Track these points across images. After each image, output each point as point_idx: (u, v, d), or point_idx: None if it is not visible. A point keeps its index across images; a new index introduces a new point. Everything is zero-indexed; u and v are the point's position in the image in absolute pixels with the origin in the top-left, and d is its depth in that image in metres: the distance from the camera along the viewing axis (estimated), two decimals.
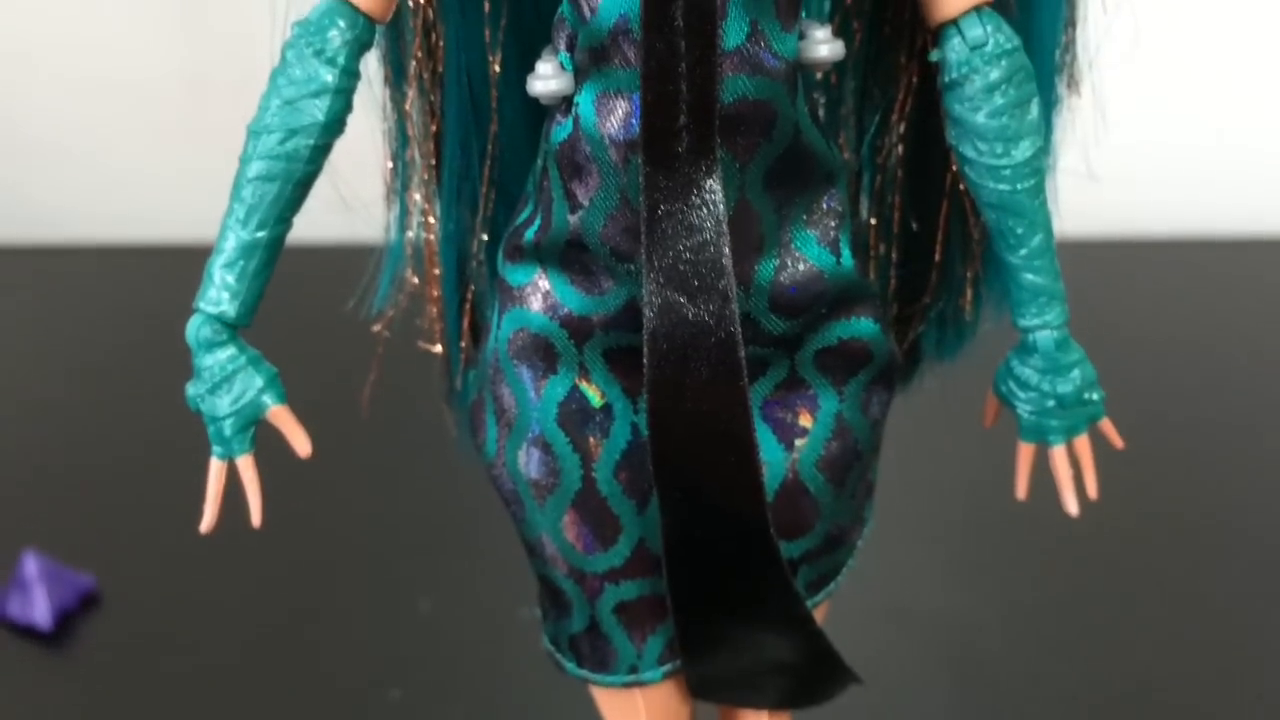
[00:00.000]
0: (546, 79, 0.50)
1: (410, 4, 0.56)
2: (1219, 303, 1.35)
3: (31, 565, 0.97)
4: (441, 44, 0.57)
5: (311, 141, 0.51)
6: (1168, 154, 1.42)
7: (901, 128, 0.57)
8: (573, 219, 0.51)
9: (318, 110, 0.51)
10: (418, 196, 0.60)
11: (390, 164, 0.60)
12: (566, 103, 0.51)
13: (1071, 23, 0.54)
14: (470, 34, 0.56)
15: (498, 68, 0.57)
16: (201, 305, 0.51)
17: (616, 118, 0.48)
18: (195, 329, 0.52)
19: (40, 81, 1.51)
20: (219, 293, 0.51)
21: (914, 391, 0.64)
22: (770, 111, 0.49)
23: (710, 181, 0.49)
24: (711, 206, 0.49)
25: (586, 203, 0.51)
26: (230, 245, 0.51)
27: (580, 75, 0.50)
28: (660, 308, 0.49)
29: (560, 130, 0.51)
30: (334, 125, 0.51)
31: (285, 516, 0.60)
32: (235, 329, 0.52)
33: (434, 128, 0.58)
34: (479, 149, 0.59)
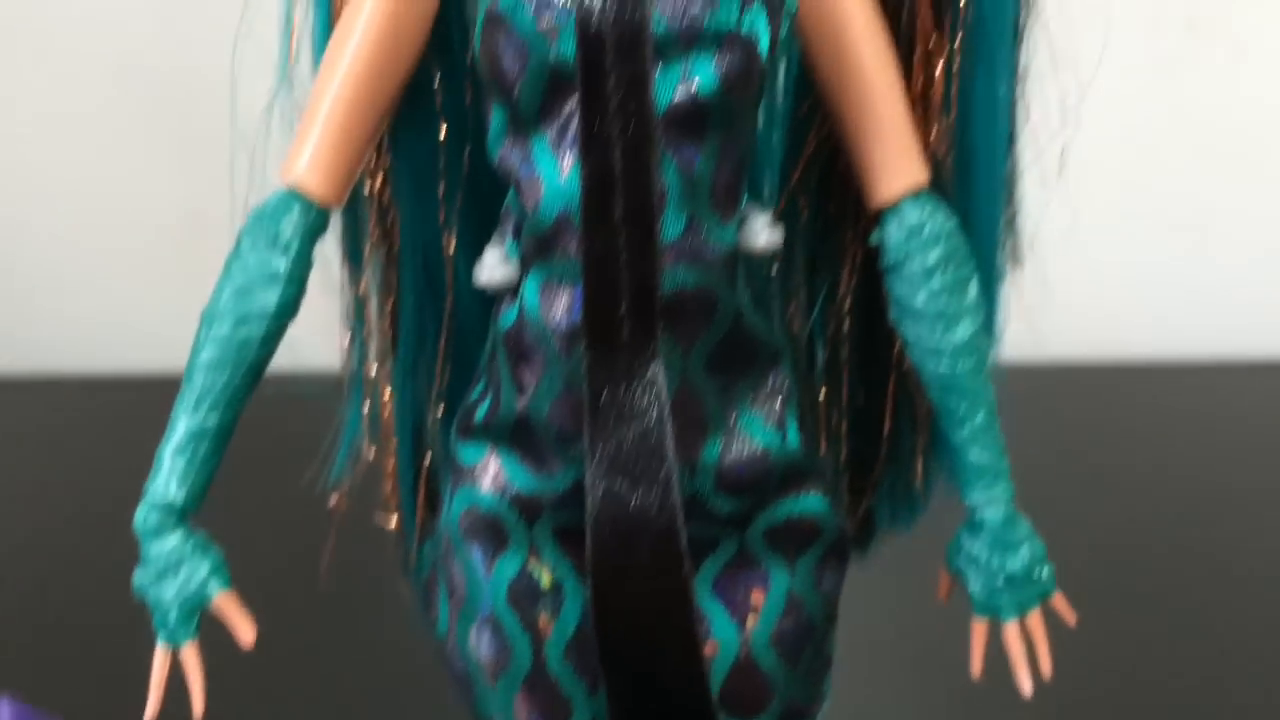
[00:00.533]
0: (491, 269, 0.51)
1: (366, 186, 0.57)
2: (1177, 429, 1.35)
3: (5, 713, 0.95)
4: (397, 224, 0.58)
5: (263, 329, 0.51)
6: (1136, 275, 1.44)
7: (848, 303, 0.58)
8: (520, 402, 0.52)
9: (270, 298, 0.52)
10: (374, 370, 0.61)
11: (347, 337, 0.61)
12: (514, 288, 0.52)
13: (1010, 197, 0.56)
14: (425, 214, 0.58)
15: (453, 246, 0.58)
16: (150, 493, 0.51)
17: (560, 307, 0.49)
18: (143, 516, 0.52)
19: (37, 215, 1.54)
20: (167, 480, 0.51)
21: (870, 562, 0.64)
22: (711, 299, 0.50)
23: (652, 368, 0.49)
24: (654, 394, 0.49)
25: (533, 387, 0.51)
26: (180, 431, 0.52)
27: (525, 263, 0.51)
28: (603, 494, 0.49)
29: (507, 315, 0.52)
30: (286, 312, 0.52)
31: (243, 686, 0.59)
32: (184, 514, 0.52)
33: (390, 303, 0.60)
34: (434, 325, 0.60)
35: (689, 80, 0.46)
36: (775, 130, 0.58)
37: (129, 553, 0.54)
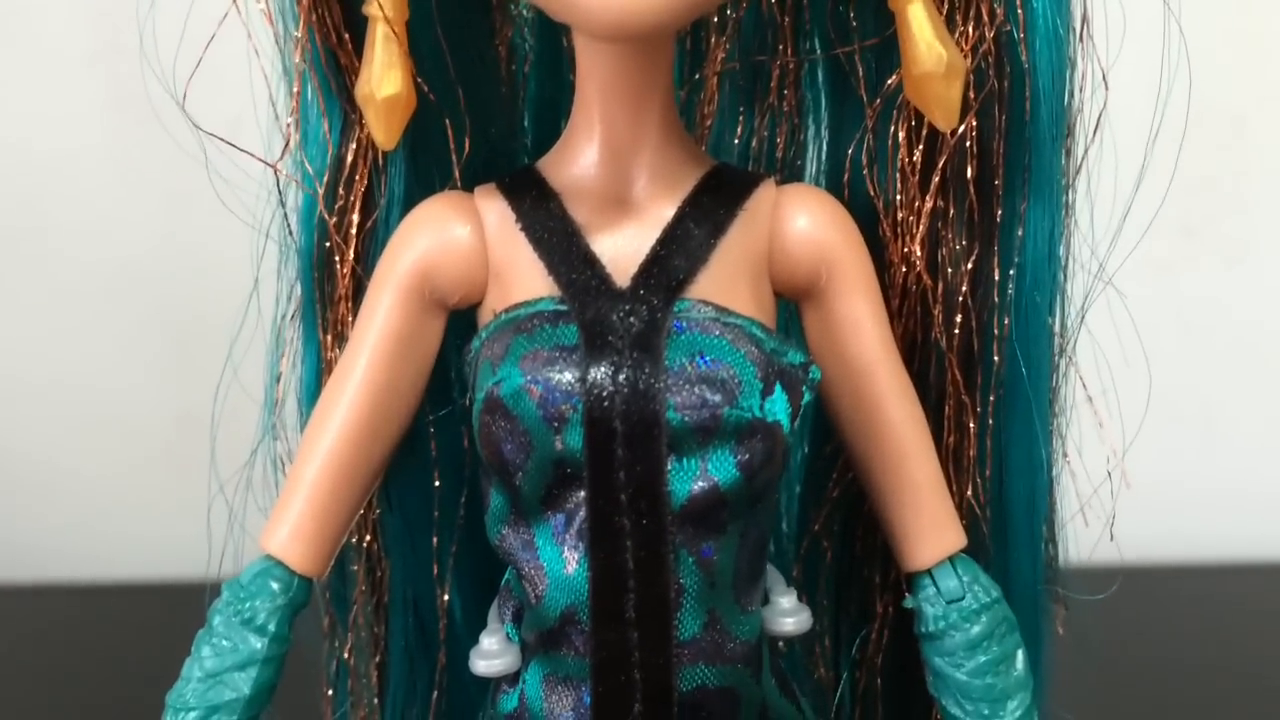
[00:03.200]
0: (491, 658, 0.46)
1: (354, 538, 0.53)
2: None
3: None
4: (387, 577, 0.54)
5: (235, 718, 0.46)
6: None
7: (879, 659, 0.53)
8: None
9: (243, 683, 0.46)
10: None
11: (329, 692, 0.56)
12: (514, 673, 0.47)
13: (1052, 558, 0.52)
14: (417, 567, 0.54)
15: (447, 600, 0.54)
16: None
17: (565, 705, 0.44)
18: None
19: (26, 419, 1.51)
20: None
21: None
22: (734, 696, 0.45)
23: None
24: None
25: None
26: None
27: (527, 652, 0.46)
28: None
29: (506, 700, 0.47)
30: (261, 697, 0.47)
31: None
32: None
33: (377, 658, 0.55)
34: (425, 682, 0.55)
35: (707, 476, 0.42)
36: (795, 470, 0.54)
37: None
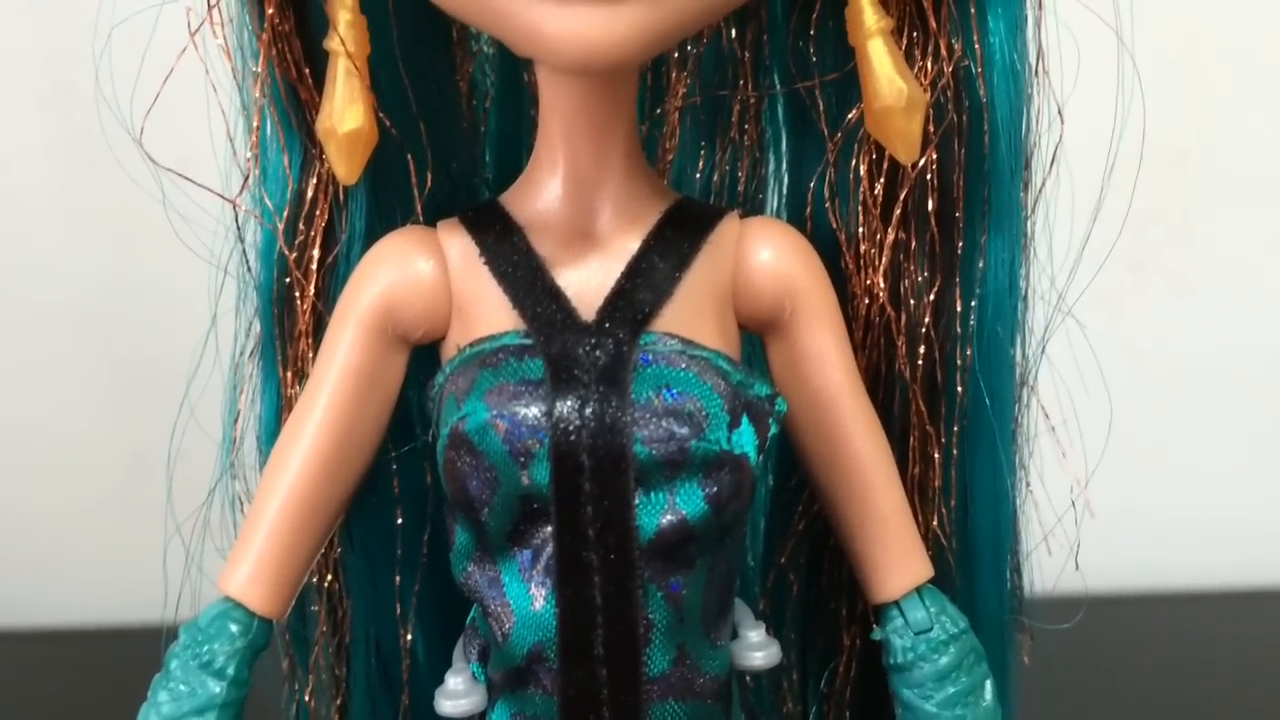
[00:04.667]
0: (457, 699, 0.45)
1: (314, 577, 0.52)
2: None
3: None
4: (349, 616, 0.53)
5: None
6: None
7: (847, 692, 0.53)
8: None
9: None
10: None
11: None
12: (480, 714, 0.46)
13: (1018, 583, 0.52)
14: (381, 605, 0.53)
15: (409, 637, 0.53)
16: None
17: None
18: None
19: None
20: None
21: None
22: None
23: None
24: None
25: None
26: None
27: (494, 691, 0.45)
28: None
29: None
30: None
31: None
32: None
33: (339, 700, 0.54)
34: None
35: (675, 509, 0.42)
36: (760, 503, 0.54)
37: None
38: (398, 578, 0.52)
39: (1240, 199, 1.29)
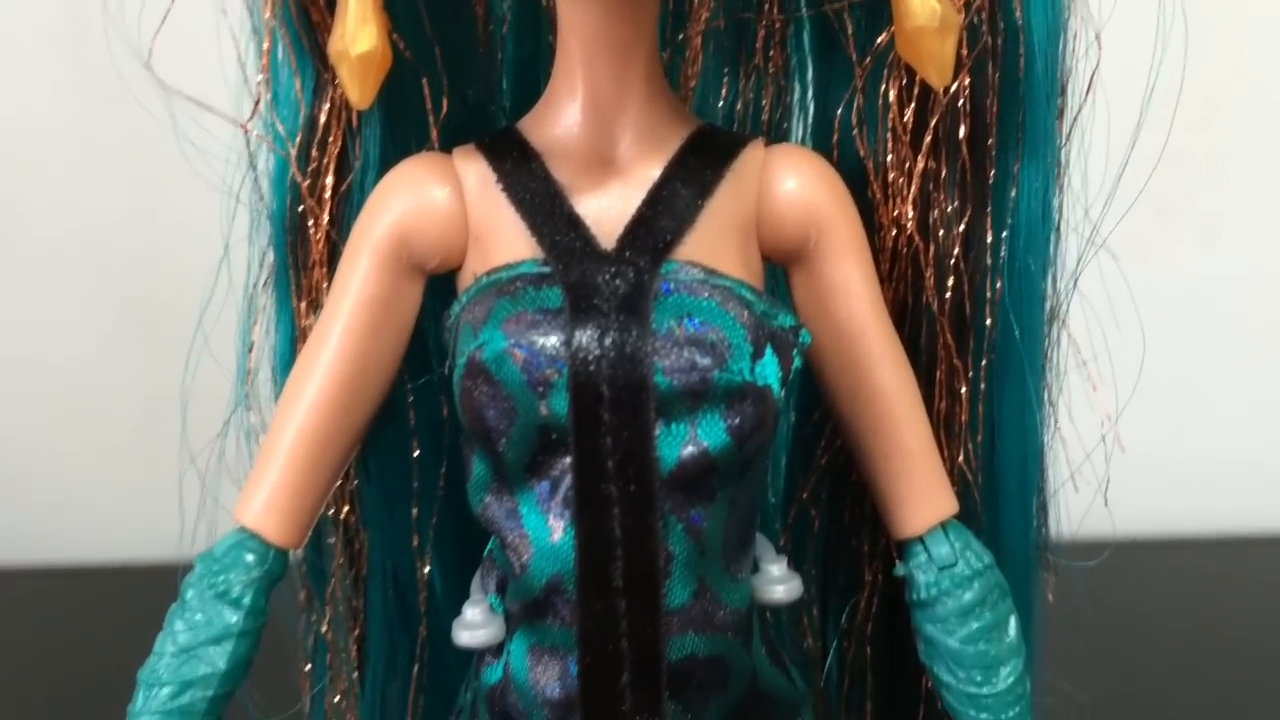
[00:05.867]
0: (475, 629, 0.45)
1: (331, 510, 0.52)
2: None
3: None
4: (365, 549, 0.52)
5: (210, 693, 0.45)
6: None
7: (869, 628, 0.52)
8: None
9: (219, 657, 0.45)
10: (338, 702, 0.54)
11: (307, 668, 0.54)
12: (498, 644, 0.46)
13: (1043, 525, 0.51)
14: (398, 538, 0.52)
15: (427, 572, 0.53)
16: None
17: (551, 675, 0.43)
18: None
19: None
20: None
21: None
22: (724, 665, 0.44)
23: None
24: None
25: None
26: None
27: (512, 622, 0.45)
28: None
29: (491, 672, 0.46)
30: (237, 671, 0.45)
31: None
32: None
33: (356, 632, 0.53)
34: (406, 654, 0.54)
35: (697, 441, 0.41)
36: (782, 440, 0.53)
37: None
38: (415, 510, 0.51)
39: (1269, 146, 1.26)
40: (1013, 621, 0.48)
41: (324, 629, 0.51)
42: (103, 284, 1.34)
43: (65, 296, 1.34)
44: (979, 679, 0.47)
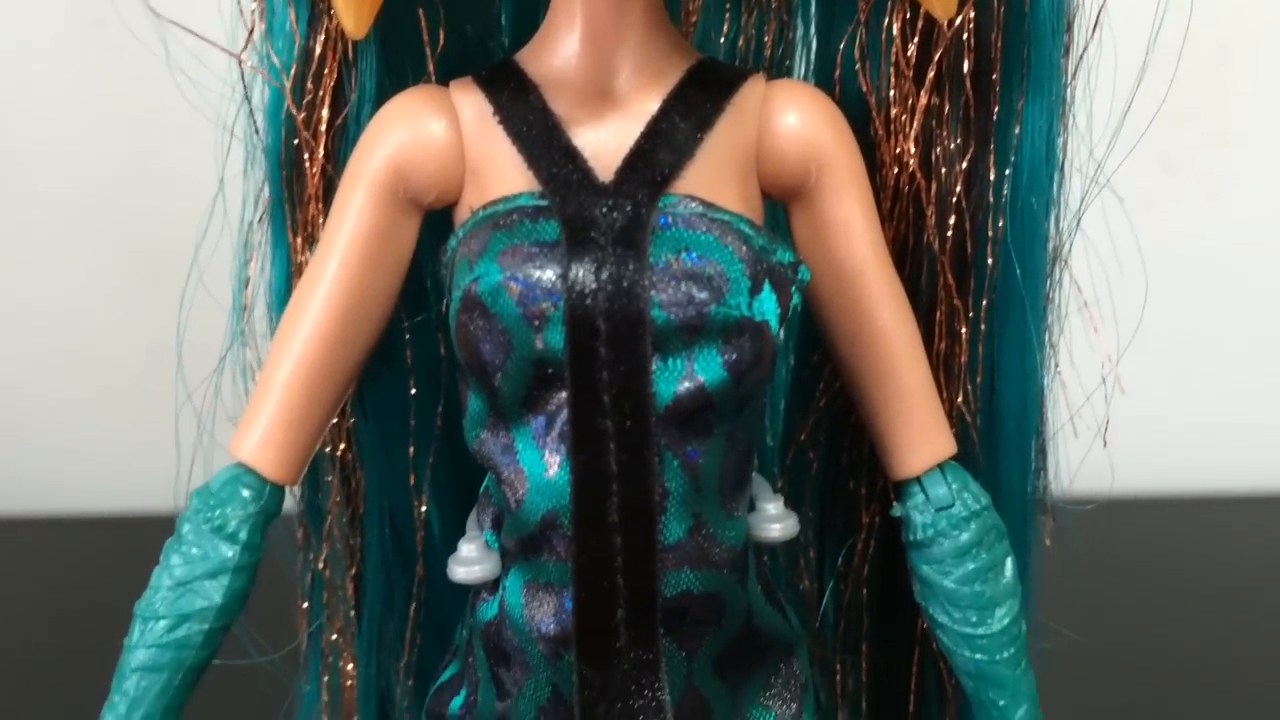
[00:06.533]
0: (470, 565, 0.45)
1: (328, 447, 0.52)
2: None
3: None
4: (362, 487, 0.52)
5: (206, 626, 0.45)
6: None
7: (865, 570, 0.52)
8: (500, 705, 0.46)
9: (214, 591, 0.45)
10: (335, 639, 0.55)
11: (304, 605, 0.54)
12: (494, 580, 0.46)
13: (1042, 468, 0.51)
14: (395, 477, 0.52)
15: (424, 511, 0.53)
16: None
17: (546, 611, 0.43)
18: None
19: None
20: None
21: None
22: (719, 602, 0.44)
23: (653, 679, 0.43)
24: (655, 706, 0.43)
25: (515, 691, 0.45)
26: None
27: (507, 558, 0.45)
28: None
29: (486, 608, 0.46)
30: (233, 605, 0.45)
31: None
32: None
33: (353, 570, 0.53)
34: (403, 592, 0.54)
35: (693, 376, 0.41)
36: (781, 383, 0.53)
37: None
38: (411, 449, 0.51)
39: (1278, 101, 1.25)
40: (1009, 563, 0.48)
41: (321, 567, 0.52)
42: (104, 233, 1.33)
43: (67, 246, 1.33)
44: (974, 620, 0.47)
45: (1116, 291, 0.55)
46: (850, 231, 0.46)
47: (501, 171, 0.43)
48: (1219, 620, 1.15)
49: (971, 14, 0.45)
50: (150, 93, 0.57)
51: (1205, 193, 1.43)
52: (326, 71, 0.48)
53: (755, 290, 0.41)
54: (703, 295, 0.40)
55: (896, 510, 0.48)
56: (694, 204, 0.42)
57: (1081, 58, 0.48)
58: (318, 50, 0.47)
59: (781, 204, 0.47)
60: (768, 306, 0.41)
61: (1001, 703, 0.48)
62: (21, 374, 1.44)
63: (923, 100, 0.46)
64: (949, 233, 0.47)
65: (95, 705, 0.46)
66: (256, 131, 0.49)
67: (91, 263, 1.35)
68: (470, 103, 0.44)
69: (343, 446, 0.51)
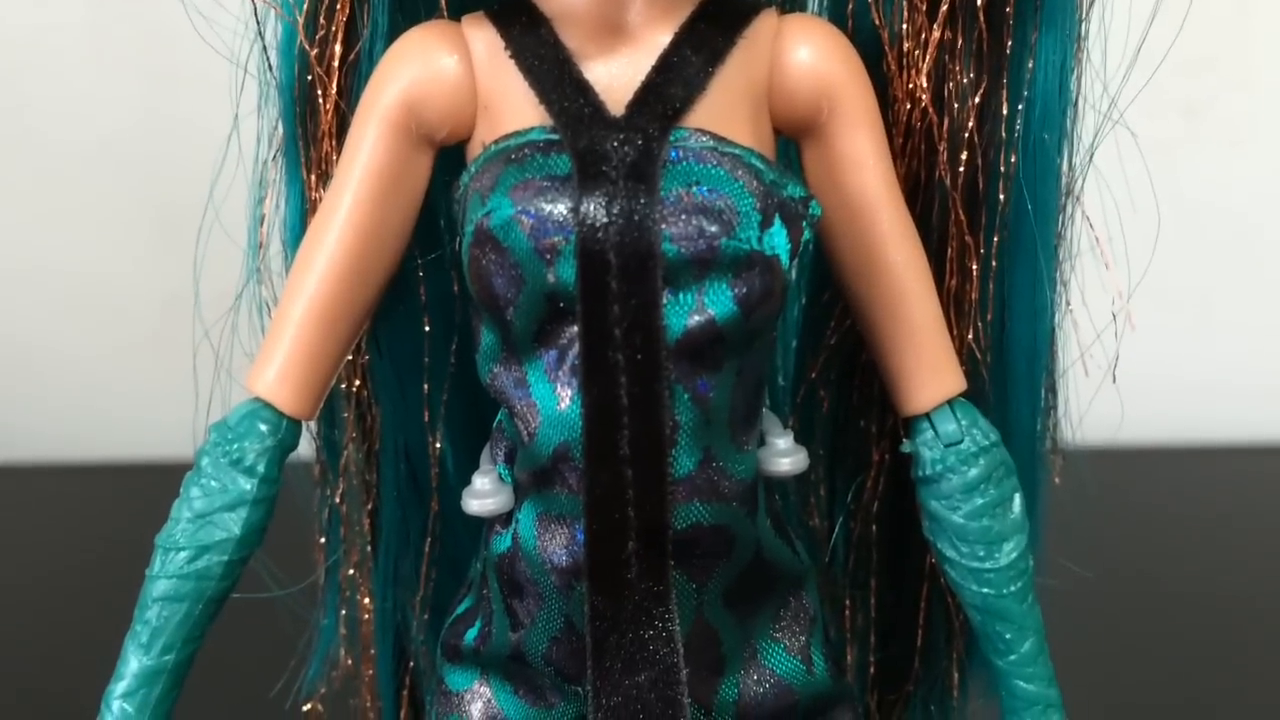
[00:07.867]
0: (483, 498, 0.45)
1: (343, 383, 0.52)
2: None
3: None
4: (377, 423, 0.53)
5: (225, 558, 0.46)
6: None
7: (875, 506, 0.53)
8: (514, 636, 0.47)
9: (233, 523, 0.46)
10: (352, 574, 0.56)
11: (322, 539, 0.55)
12: (507, 514, 0.47)
13: (1052, 407, 0.51)
14: (409, 413, 0.53)
15: (439, 446, 0.53)
16: None
17: (558, 543, 0.44)
18: None
19: (11, 303, 1.49)
20: None
21: None
22: (728, 534, 0.44)
23: (663, 609, 0.44)
24: (665, 636, 0.44)
25: (528, 623, 0.46)
26: (131, 671, 0.46)
27: (520, 492, 0.46)
28: None
29: (500, 541, 0.47)
30: (251, 538, 0.46)
31: None
32: None
33: (369, 505, 0.54)
34: (418, 528, 0.55)
35: (704, 310, 0.41)
36: (792, 321, 0.53)
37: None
38: (426, 386, 0.52)
39: None
40: (1017, 499, 0.48)
41: (338, 502, 0.52)
42: (119, 184, 1.34)
43: (82, 198, 1.34)
44: (981, 554, 0.48)
45: (1130, 234, 0.54)
46: (862, 167, 0.46)
47: (513, 106, 0.43)
48: (1226, 559, 1.16)
49: None
50: (164, 32, 0.57)
51: (1226, 140, 1.42)
52: (339, 7, 0.47)
53: (766, 224, 0.41)
54: (713, 229, 0.40)
55: (906, 446, 0.48)
56: (705, 138, 0.42)
57: None
58: None
59: (794, 140, 0.47)
60: (778, 240, 0.41)
61: (1008, 636, 0.48)
62: (40, 325, 1.45)
63: (935, 34, 0.46)
64: (961, 168, 0.47)
65: (118, 646, 0.47)
66: (270, 69, 0.49)
67: (107, 213, 1.36)
68: (482, 37, 0.44)
69: (358, 383, 0.51)
